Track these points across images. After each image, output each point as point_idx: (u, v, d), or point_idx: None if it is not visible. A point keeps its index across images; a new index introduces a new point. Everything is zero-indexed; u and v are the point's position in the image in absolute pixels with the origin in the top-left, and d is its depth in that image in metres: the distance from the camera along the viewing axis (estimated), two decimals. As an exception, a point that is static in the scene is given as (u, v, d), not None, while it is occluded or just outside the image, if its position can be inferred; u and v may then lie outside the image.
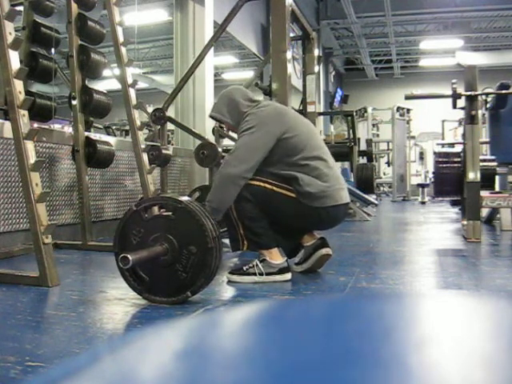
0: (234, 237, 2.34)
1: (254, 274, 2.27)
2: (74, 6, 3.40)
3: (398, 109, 10.66)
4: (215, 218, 2.08)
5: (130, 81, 3.32)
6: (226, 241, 2.44)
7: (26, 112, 2.31)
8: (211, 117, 2.56)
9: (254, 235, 2.29)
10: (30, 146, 2.29)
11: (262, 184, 2.28)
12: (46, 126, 4.01)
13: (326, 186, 2.27)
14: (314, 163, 2.29)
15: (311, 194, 2.25)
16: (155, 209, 2.09)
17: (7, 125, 2.94)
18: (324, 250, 2.44)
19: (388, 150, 11.79)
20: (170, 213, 1.88)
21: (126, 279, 1.90)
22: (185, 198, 1.91)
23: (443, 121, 10.80)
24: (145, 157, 3.35)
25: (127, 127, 7.70)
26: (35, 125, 3.51)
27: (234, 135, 3.62)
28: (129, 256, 1.69)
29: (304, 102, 5.01)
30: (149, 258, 1.79)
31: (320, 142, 2.46)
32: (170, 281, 1.86)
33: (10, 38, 2.29)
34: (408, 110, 11.01)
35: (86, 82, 3.54)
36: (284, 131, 2.30)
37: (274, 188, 2.29)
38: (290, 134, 2.31)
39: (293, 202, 2.27)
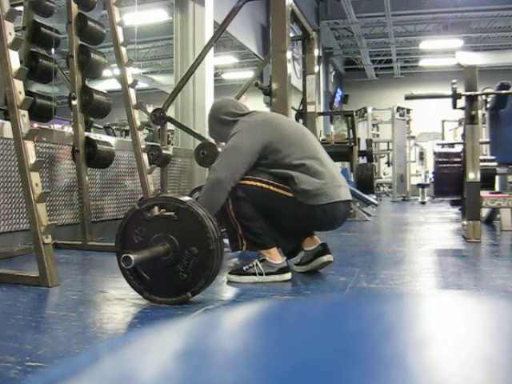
0: (233, 237, 2.35)
1: (254, 274, 2.27)
2: (74, 6, 3.40)
3: (398, 109, 10.67)
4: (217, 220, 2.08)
5: (130, 81, 3.32)
6: (227, 241, 2.44)
7: (25, 112, 2.31)
8: (211, 137, 2.68)
9: (252, 235, 2.29)
10: (29, 145, 2.29)
11: (258, 184, 2.28)
12: (46, 126, 4.01)
13: (322, 183, 2.26)
14: (308, 162, 2.29)
15: (307, 192, 2.24)
16: (156, 208, 2.09)
17: (7, 125, 2.94)
18: (325, 258, 2.43)
19: (388, 150, 11.79)
20: (172, 213, 1.88)
21: (126, 278, 1.90)
22: (187, 199, 1.91)
23: (443, 121, 10.80)
24: (145, 157, 3.35)
25: (127, 127, 7.69)
26: (35, 125, 3.52)
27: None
28: (131, 256, 1.69)
29: (304, 102, 5.01)
30: (151, 258, 1.79)
31: (314, 143, 2.44)
32: (171, 281, 1.86)
33: (10, 38, 2.29)
34: (408, 110, 11.01)
35: (86, 82, 3.54)
36: (272, 135, 2.31)
37: (271, 188, 2.28)
38: (279, 138, 2.31)
39: (290, 201, 2.27)
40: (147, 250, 1.80)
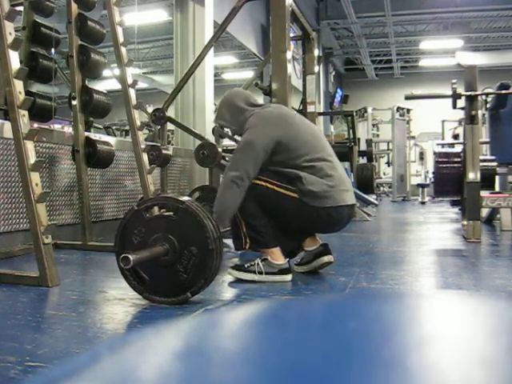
0: (237, 235, 2.35)
1: (254, 273, 2.27)
2: (74, 6, 3.40)
3: (398, 109, 10.67)
4: (221, 224, 2.08)
5: (129, 81, 3.32)
6: (227, 241, 2.44)
7: (25, 112, 2.31)
8: (216, 123, 2.61)
9: (256, 233, 2.29)
10: (29, 146, 2.29)
11: (263, 183, 2.28)
12: (46, 126, 4.01)
13: (330, 185, 2.26)
14: (319, 164, 2.28)
15: (313, 193, 2.23)
16: (156, 209, 2.09)
17: (7, 125, 2.94)
18: (326, 258, 2.43)
19: (388, 150, 11.79)
20: (171, 213, 1.88)
21: (126, 279, 1.90)
22: (186, 199, 1.91)
23: (443, 121, 10.80)
24: (145, 157, 3.35)
25: (127, 127, 7.69)
26: (35, 125, 3.52)
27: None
28: (130, 256, 1.69)
29: (304, 102, 5.01)
30: (150, 258, 1.79)
31: (325, 144, 2.44)
32: (171, 281, 1.86)
33: (10, 38, 2.29)
34: (408, 110, 11.02)
35: (86, 82, 3.54)
36: (286, 132, 2.30)
37: (275, 188, 2.28)
38: (293, 136, 2.30)
39: (293, 201, 2.26)
40: (146, 251, 1.80)
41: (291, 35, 4.06)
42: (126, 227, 1.91)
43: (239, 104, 2.46)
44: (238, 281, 2.30)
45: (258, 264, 2.28)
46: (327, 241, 2.52)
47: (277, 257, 2.30)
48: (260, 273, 2.27)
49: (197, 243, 1.82)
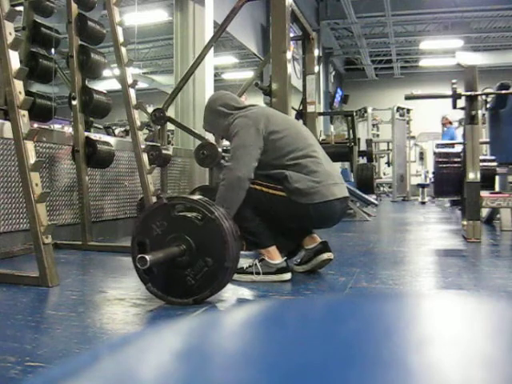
0: None
1: (252, 274, 2.28)
2: (74, 6, 3.40)
3: (398, 109, 10.66)
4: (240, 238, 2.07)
5: (129, 81, 3.32)
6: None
7: (25, 112, 2.31)
8: (204, 129, 2.68)
9: (250, 235, 2.30)
10: (29, 146, 2.29)
11: (252, 186, 2.28)
12: (46, 126, 4.01)
13: (316, 181, 2.27)
14: (303, 161, 2.30)
15: (299, 190, 2.25)
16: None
17: (7, 125, 2.94)
18: (326, 255, 2.44)
19: (388, 150, 11.79)
20: (196, 215, 1.87)
21: (135, 265, 1.88)
22: (219, 210, 1.89)
23: (443, 121, 10.80)
24: (145, 157, 3.35)
25: (127, 127, 7.68)
26: (35, 125, 3.51)
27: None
28: (147, 257, 1.69)
29: (304, 102, 5.02)
30: (166, 259, 1.79)
31: (309, 141, 2.44)
32: (177, 282, 1.85)
33: (10, 38, 2.29)
34: (408, 110, 11.01)
35: (86, 82, 3.54)
36: (271, 130, 2.33)
37: (263, 189, 2.29)
38: (277, 135, 2.33)
39: (282, 201, 2.28)
40: (163, 251, 1.79)
41: (291, 35, 4.07)
42: (149, 216, 1.91)
43: (221, 108, 2.48)
44: (238, 281, 2.30)
45: (255, 265, 2.29)
46: (327, 240, 2.52)
47: (274, 256, 2.30)
48: (258, 273, 2.27)
49: (215, 256, 1.82)
